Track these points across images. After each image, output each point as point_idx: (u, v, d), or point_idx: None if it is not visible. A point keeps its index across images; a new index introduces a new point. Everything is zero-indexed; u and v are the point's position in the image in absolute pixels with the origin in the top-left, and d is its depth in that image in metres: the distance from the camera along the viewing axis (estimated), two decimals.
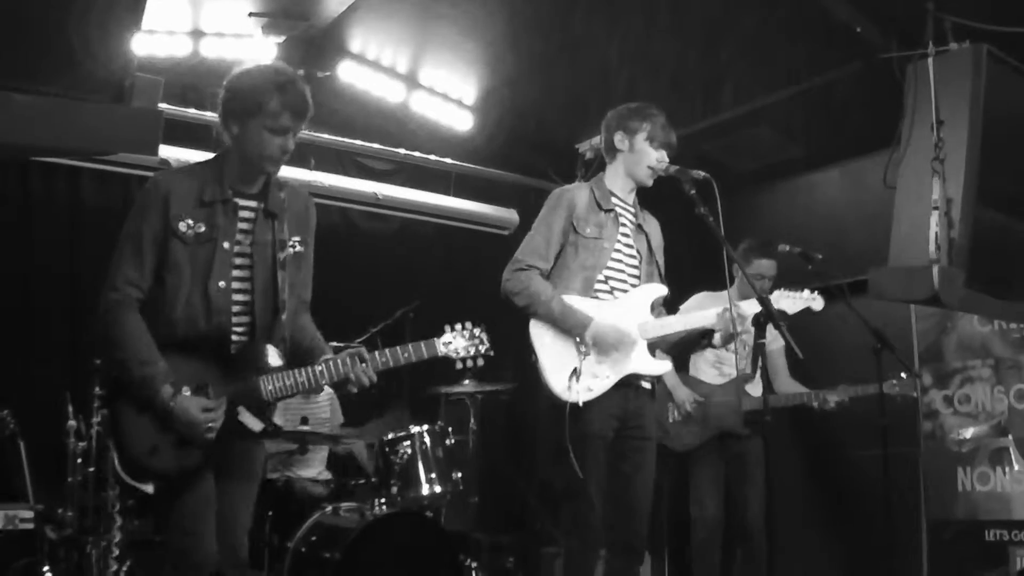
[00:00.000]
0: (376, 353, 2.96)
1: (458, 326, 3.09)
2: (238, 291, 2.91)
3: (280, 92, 2.85)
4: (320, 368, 2.92)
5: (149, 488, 2.78)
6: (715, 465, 4.96)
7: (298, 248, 3.04)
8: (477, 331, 3.11)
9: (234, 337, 2.90)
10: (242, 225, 2.94)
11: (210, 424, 2.78)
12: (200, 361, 2.84)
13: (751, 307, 3.56)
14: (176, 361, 2.79)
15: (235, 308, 2.90)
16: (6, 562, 4.14)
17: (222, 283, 2.87)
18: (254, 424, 2.87)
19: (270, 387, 2.89)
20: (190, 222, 2.84)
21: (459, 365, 3.09)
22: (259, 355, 2.91)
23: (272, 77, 2.89)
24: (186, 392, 2.77)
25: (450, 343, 3.07)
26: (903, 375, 4.66)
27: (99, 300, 2.81)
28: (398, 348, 2.98)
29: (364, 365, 2.92)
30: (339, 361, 2.92)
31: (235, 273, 2.91)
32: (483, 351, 3.11)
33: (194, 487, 2.80)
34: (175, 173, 2.99)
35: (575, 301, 3.56)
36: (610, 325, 3.51)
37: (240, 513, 2.96)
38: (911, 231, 3.38)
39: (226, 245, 2.88)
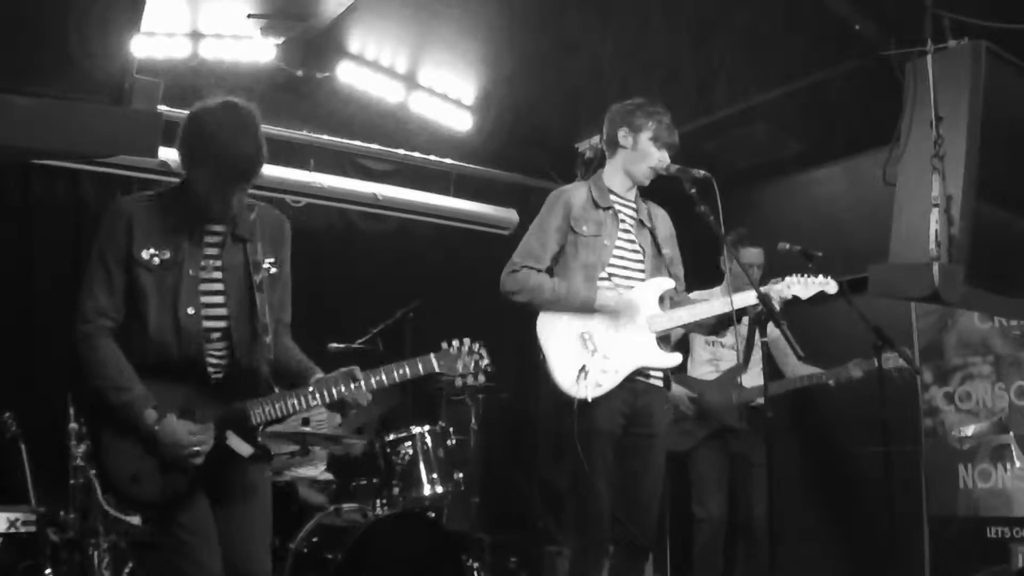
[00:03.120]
0: (369, 372, 2.91)
1: (455, 342, 3.02)
2: (212, 317, 2.85)
3: (232, 154, 2.73)
4: (311, 390, 2.87)
5: (136, 520, 2.71)
6: (717, 464, 4.90)
7: (273, 270, 2.97)
8: (476, 347, 3.04)
9: (211, 363, 2.84)
10: (209, 251, 2.88)
11: (196, 448, 2.72)
12: (184, 387, 2.79)
13: (746, 299, 3.57)
14: (160, 387, 2.75)
15: (211, 335, 2.84)
16: (8, 565, 4.13)
17: (191, 309, 2.81)
18: (243, 449, 2.81)
19: (259, 411, 2.84)
20: (153, 250, 2.79)
21: (458, 382, 3.03)
22: (247, 380, 2.87)
23: (229, 132, 2.74)
24: (171, 416, 2.72)
25: (446, 359, 2.99)
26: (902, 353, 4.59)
27: (72, 329, 2.78)
28: (393, 365, 2.93)
29: (357, 385, 2.87)
30: (331, 382, 2.87)
31: (205, 299, 2.85)
32: (483, 367, 3.03)
33: (187, 511, 2.74)
34: (139, 199, 2.92)
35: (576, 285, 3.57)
36: (614, 296, 3.52)
37: (253, 533, 2.88)
38: (911, 228, 3.38)
39: (191, 272, 2.83)
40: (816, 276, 3.89)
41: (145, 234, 2.80)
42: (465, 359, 3.01)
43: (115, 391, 2.72)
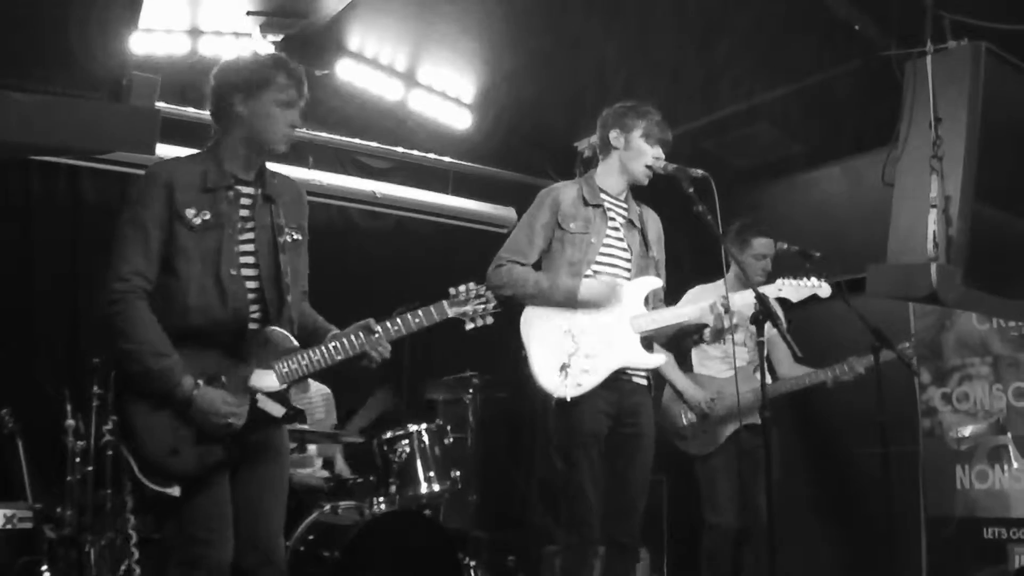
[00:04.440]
0: (387, 322, 2.94)
1: (462, 287, 3.07)
2: (248, 278, 2.86)
3: (283, 66, 2.89)
4: (334, 344, 2.89)
5: (176, 491, 2.66)
6: (732, 467, 4.71)
7: (295, 236, 3.00)
8: (482, 289, 3.10)
9: (250, 324, 2.85)
10: (243, 212, 2.90)
11: (233, 418, 2.71)
12: (211, 350, 2.76)
13: (742, 299, 3.56)
14: (187, 351, 2.71)
15: (249, 295, 2.85)
16: (6, 561, 4.14)
17: (233, 270, 2.81)
18: (275, 410, 2.81)
19: (285, 370, 2.83)
20: (195, 210, 2.78)
21: (469, 325, 3.07)
22: (269, 339, 2.86)
23: (267, 56, 2.98)
24: (206, 385, 2.70)
25: (457, 304, 3.04)
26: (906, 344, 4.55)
27: (104, 291, 2.70)
28: (408, 315, 2.95)
29: (376, 336, 2.90)
30: (352, 336, 2.90)
31: (243, 260, 2.86)
32: (491, 308, 3.08)
33: (207, 490, 2.71)
34: (174, 161, 2.93)
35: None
36: (594, 283, 3.52)
37: (269, 506, 2.87)
38: (909, 229, 3.38)
39: (230, 232, 2.84)
40: (809, 279, 3.86)
41: (185, 193, 2.79)
42: (474, 303, 3.06)
43: (154, 356, 2.65)
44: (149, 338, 2.67)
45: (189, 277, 2.76)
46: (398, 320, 2.95)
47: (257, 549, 2.80)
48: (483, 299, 3.08)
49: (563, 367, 3.43)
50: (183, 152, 5.01)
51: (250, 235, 2.89)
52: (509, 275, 3.56)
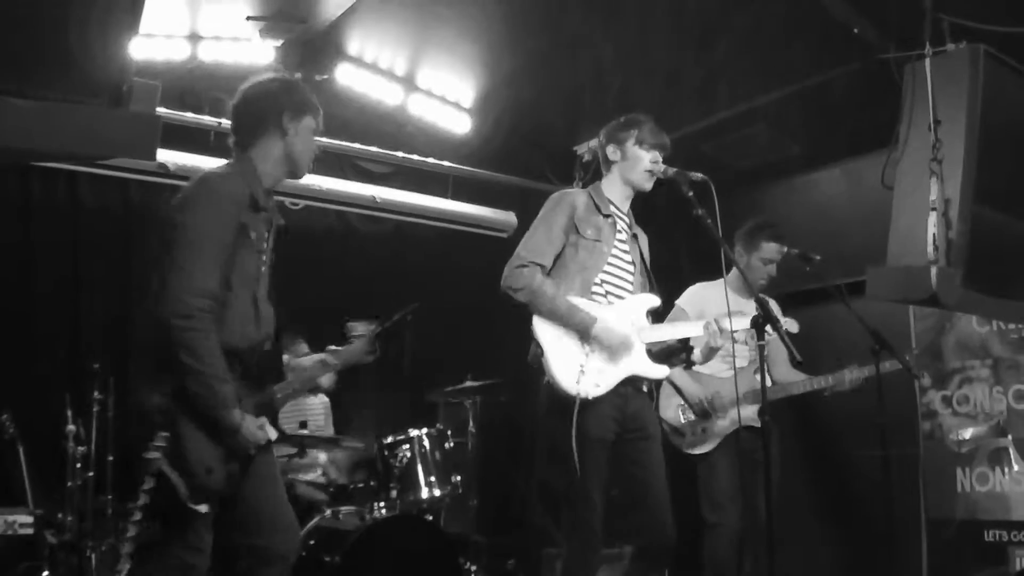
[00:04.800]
0: (333, 358, 3.28)
1: (359, 326, 3.40)
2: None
3: (312, 95, 2.98)
4: (307, 376, 3.11)
5: (204, 509, 2.68)
6: (732, 466, 4.68)
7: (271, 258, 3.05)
8: (371, 324, 3.42)
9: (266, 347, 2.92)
10: (266, 233, 2.93)
11: (262, 442, 2.78)
12: (234, 372, 2.77)
13: (738, 323, 3.58)
14: None
15: None
16: (6, 567, 4.14)
17: (264, 294, 2.86)
18: (272, 433, 2.87)
19: (280, 395, 2.95)
20: (247, 229, 2.79)
21: (369, 358, 3.40)
22: (272, 363, 2.94)
23: (296, 80, 3.07)
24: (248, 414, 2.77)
25: (372, 338, 3.37)
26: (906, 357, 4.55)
27: (174, 300, 2.63)
28: (350, 348, 3.32)
29: (328, 369, 3.22)
30: (316, 366, 3.20)
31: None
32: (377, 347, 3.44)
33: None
34: (231, 176, 2.87)
35: (576, 302, 3.56)
36: (613, 328, 3.52)
37: (278, 494, 2.93)
38: (909, 231, 3.38)
39: (261, 253, 2.86)
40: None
41: (246, 212, 2.79)
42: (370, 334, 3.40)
43: (219, 381, 2.65)
44: (216, 362, 2.66)
45: (239, 297, 2.76)
46: (343, 352, 3.32)
47: (287, 531, 2.89)
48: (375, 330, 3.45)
49: (580, 367, 3.44)
50: (182, 157, 5.10)
51: (266, 257, 2.92)
52: (531, 281, 3.52)
